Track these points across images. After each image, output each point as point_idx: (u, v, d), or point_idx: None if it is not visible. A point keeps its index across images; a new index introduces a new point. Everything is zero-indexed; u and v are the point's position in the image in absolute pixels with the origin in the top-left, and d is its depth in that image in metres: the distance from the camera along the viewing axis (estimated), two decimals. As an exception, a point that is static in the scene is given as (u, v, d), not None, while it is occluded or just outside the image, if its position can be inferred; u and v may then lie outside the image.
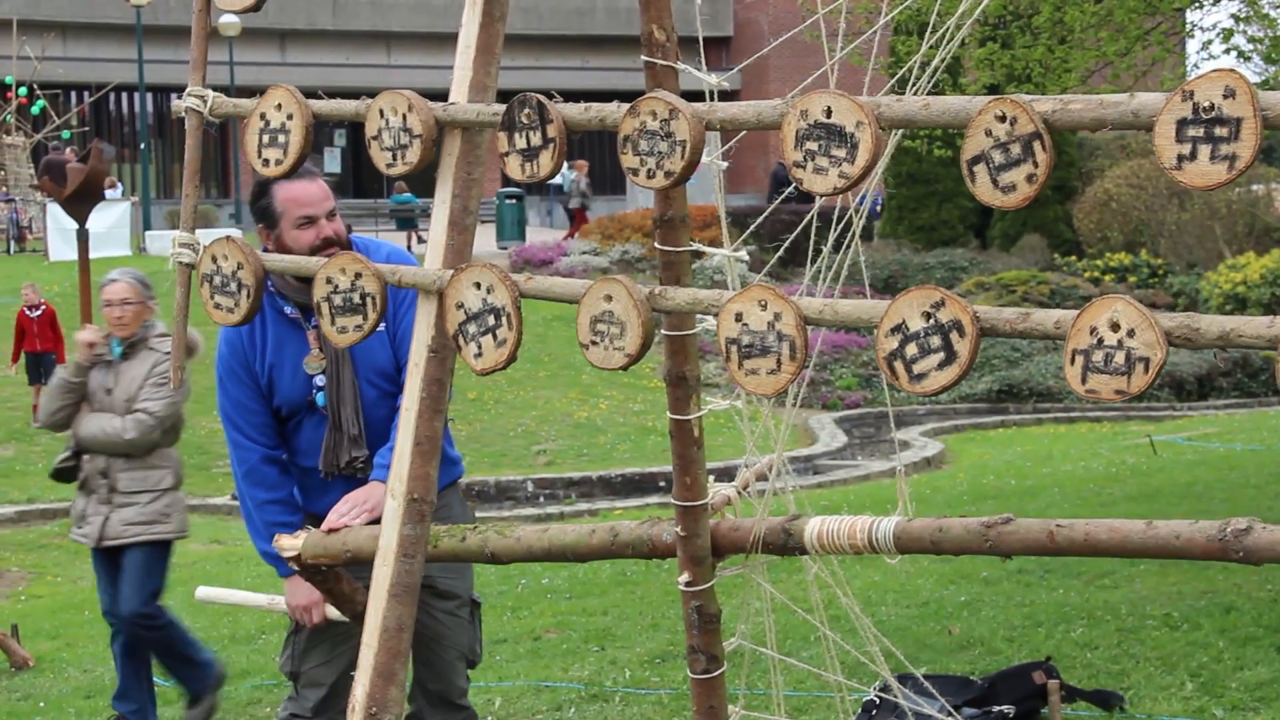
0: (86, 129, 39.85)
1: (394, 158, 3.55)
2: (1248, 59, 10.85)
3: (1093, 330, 2.73)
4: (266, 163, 3.74)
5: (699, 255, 3.83)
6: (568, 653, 7.87)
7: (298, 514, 4.71)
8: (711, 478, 4.04)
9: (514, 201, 34.60)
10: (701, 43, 3.79)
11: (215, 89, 3.94)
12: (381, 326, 4.52)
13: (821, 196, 3.03)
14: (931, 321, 2.89)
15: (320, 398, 4.65)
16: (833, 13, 4.49)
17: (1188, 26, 12.65)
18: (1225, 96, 2.54)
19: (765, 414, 4.05)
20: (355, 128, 48.55)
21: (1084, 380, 2.75)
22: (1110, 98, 2.70)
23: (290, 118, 3.71)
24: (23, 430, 18.82)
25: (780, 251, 4.54)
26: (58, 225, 29.23)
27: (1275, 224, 29.61)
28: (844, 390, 23.83)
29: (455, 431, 19.69)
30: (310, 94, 3.80)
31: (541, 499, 17.88)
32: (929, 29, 3.91)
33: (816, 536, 3.76)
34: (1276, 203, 30.75)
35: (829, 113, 2.92)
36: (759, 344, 3.06)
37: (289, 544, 4.37)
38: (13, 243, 33.91)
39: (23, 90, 36.78)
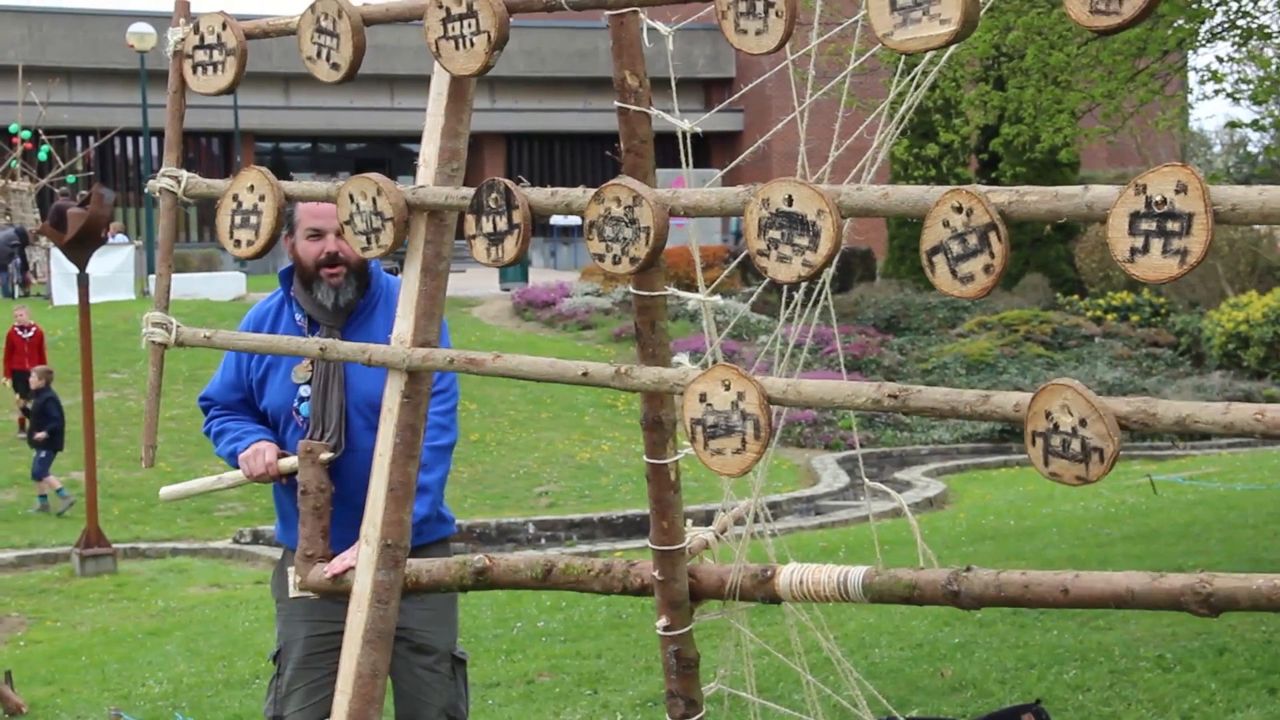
0: (91, 173, 39.99)
1: (368, 241, 3.59)
2: (1238, 100, 10.88)
3: (1048, 415, 2.74)
4: (238, 243, 3.78)
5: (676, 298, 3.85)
6: (560, 696, 7.85)
7: (255, 427, 4.75)
8: (689, 521, 4.05)
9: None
10: (674, 84, 3.80)
11: (220, 134, 3.98)
12: None
13: (785, 284, 3.05)
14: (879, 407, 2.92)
15: (304, 408, 4.68)
16: (828, 54, 4.53)
17: (1186, 67, 12.70)
18: (1177, 191, 2.56)
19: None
20: (359, 168, 48.76)
21: (1046, 463, 2.76)
22: (1065, 190, 2.71)
23: (262, 199, 3.76)
24: (24, 475, 18.84)
25: (787, 292, 4.55)
26: (61, 270, 29.33)
27: (1277, 263, 29.63)
28: (846, 431, 23.82)
29: (457, 474, 19.77)
30: (315, 137, 3.84)
31: (543, 540, 17.86)
32: (912, 70, 3.92)
33: (790, 586, 3.77)
34: (1279, 242, 30.76)
35: (790, 201, 2.94)
36: (723, 424, 3.08)
37: (287, 464, 4.47)
38: (17, 287, 34.00)
39: (28, 135, 36.98)
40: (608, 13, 3.49)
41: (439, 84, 3.70)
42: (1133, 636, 7.91)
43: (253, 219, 3.76)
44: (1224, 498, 14.20)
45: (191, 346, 4.15)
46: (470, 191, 3.43)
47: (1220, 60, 10.71)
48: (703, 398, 3.12)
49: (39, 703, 9.08)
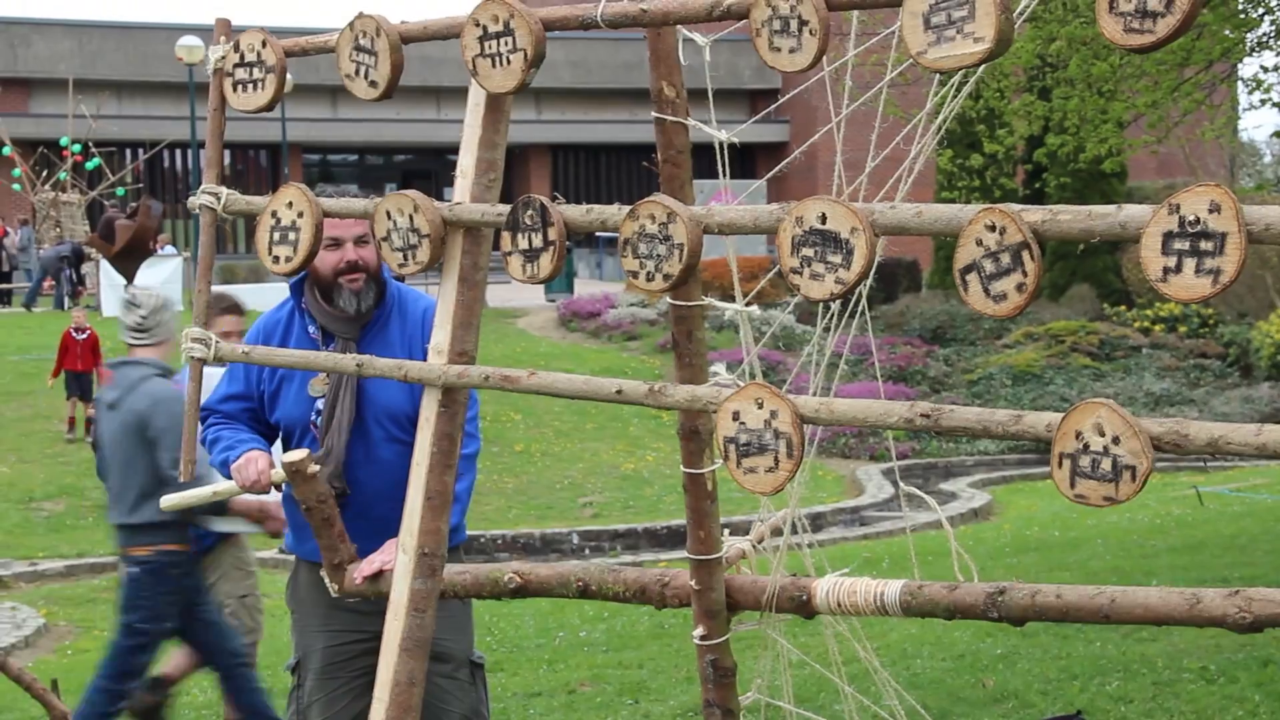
0: (140, 186, 40.29)
1: (405, 258, 3.62)
2: (1281, 108, 10.82)
3: (1079, 435, 2.74)
4: (276, 259, 3.82)
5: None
6: (601, 705, 7.87)
7: (250, 436, 4.73)
8: (727, 531, 4.06)
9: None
10: (710, 95, 3.81)
11: (267, 146, 4.02)
12: None
13: (817, 302, 3.07)
14: (913, 422, 2.94)
15: (320, 421, 4.70)
16: (871, 64, 4.54)
17: (1235, 77, 12.62)
18: (1211, 211, 2.56)
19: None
20: (406, 179, 48.98)
21: (1072, 485, 2.76)
22: (1099, 210, 2.71)
23: (300, 215, 3.79)
24: (74, 485, 18.98)
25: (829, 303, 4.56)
26: (110, 281, 29.55)
27: (1327, 272, 29.40)
28: (893, 441, 23.73)
29: (502, 484, 19.82)
30: (362, 149, 3.87)
31: (587, 551, 17.88)
32: (949, 80, 3.92)
33: (827, 598, 3.77)
34: (1329, 251, 30.54)
35: (824, 219, 2.96)
36: (756, 442, 3.10)
37: (279, 475, 4.43)
38: (68, 299, 34.29)
39: (78, 148, 37.28)
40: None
41: (476, 95, 3.73)
42: (1176, 648, 7.87)
43: (291, 235, 3.80)
44: (1271, 509, 14.10)
45: (231, 361, 4.20)
46: (506, 208, 3.46)
47: (1265, 70, 10.65)
48: (736, 415, 3.13)
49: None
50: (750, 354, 3.87)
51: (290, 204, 3.82)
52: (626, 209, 3.23)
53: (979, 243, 2.81)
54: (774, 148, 47.67)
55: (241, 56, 3.95)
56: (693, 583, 3.90)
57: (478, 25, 3.43)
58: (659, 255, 3.17)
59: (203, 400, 4.77)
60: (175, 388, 6.69)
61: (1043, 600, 3.30)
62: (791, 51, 3.02)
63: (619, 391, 3.36)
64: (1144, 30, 2.64)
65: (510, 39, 3.38)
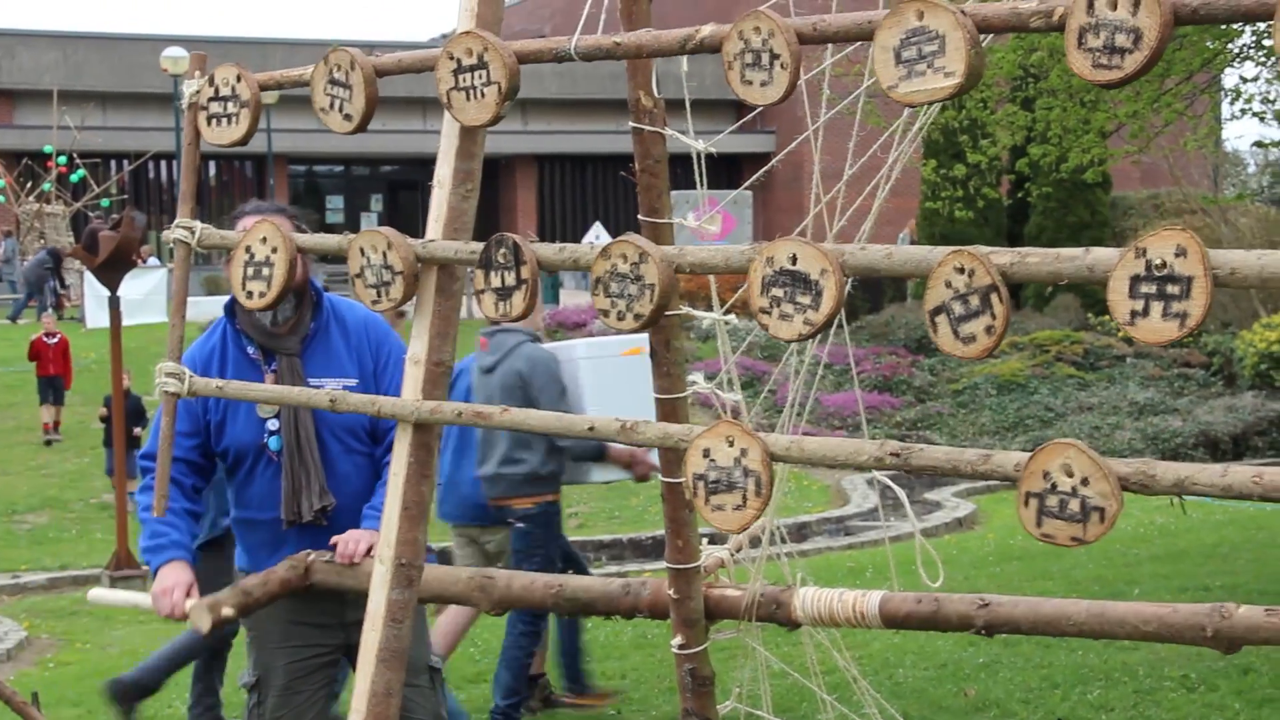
0: (125, 197, 40.23)
1: (378, 294, 3.64)
2: (1264, 119, 10.86)
3: (1046, 475, 2.76)
4: (250, 295, 3.82)
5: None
6: (583, 717, 7.86)
7: (185, 524, 4.67)
8: (705, 540, 4.07)
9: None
10: (688, 105, 3.82)
11: (253, 157, 4.03)
12: (355, 383, 4.57)
13: (788, 342, 3.08)
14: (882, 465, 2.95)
15: (274, 441, 4.64)
16: (853, 74, 4.54)
17: (1218, 87, 12.66)
18: (1177, 255, 2.59)
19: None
20: (392, 190, 48.94)
21: (1039, 524, 2.78)
22: (1067, 252, 2.75)
23: (274, 251, 3.80)
24: (56, 497, 18.93)
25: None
26: (95, 293, 29.49)
27: (1310, 282, 29.51)
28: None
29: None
30: (348, 160, 3.88)
31: (572, 562, 17.83)
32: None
33: (806, 608, 3.78)
34: (1312, 261, 30.60)
35: (794, 260, 2.97)
36: (725, 479, 3.12)
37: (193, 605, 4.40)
38: (51, 310, 34.23)
39: (62, 159, 37.21)
40: (622, 32, 3.52)
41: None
42: (1158, 656, 7.88)
43: (265, 270, 3.80)
44: (1254, 518, 14.12)
45: (204, 395, 4.19)
46: (479, 246, 3.46)
47: (1244, 80, 10.69)
48: (706, 453, 3.14)
49: (67, 723, 9.12)
50: (728, 363, 3.89)
51: (264, 239, 3.82)
52: (600, 247, 3.24)
53: (948, 284, 2.82)
54: (761, 158, 47.71)
55: (216, 90, 3.95)
56: (671, 592, 3.90)
57: (452, 58, 3.44)
58: (630, 295, 3.18)
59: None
60: (546, 351, 7.53)
61: (1019, 612, 3.32)
62: (763, 85, 3.03)
63: (591, 429, 3.37)
64: (1112, 66, 2.65)
65: (485, 72, 3.39)
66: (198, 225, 4.03)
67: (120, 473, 15.08)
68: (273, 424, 4.64)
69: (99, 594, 4.97)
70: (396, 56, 3.73)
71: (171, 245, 4.05)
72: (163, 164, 45.52)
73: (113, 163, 42.84)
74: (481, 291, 3.42)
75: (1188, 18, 2.59)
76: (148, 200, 45.03)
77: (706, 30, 3.13)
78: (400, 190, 50.02)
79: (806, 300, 2.95)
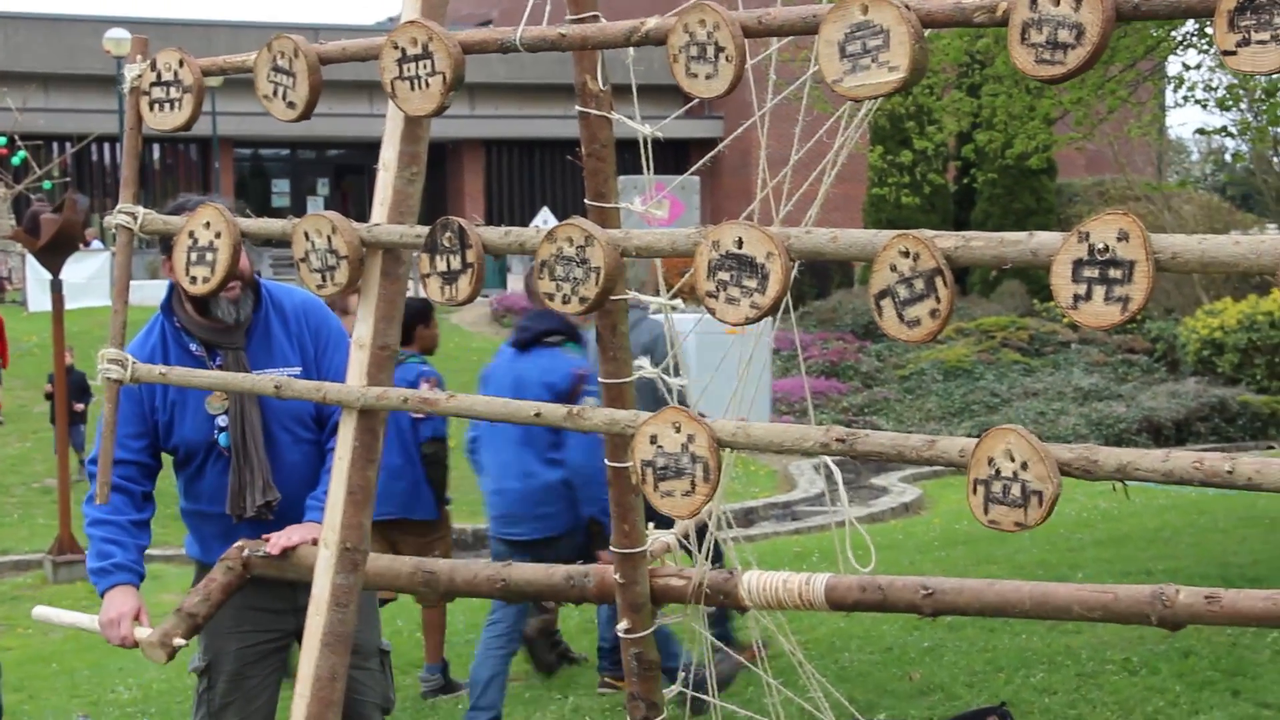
0: (68, 180, 39.85)
1: (323, 279, 3.61)
2: (1206, 107, 10.93)
3: (990, 461, 2.78)
4: (194, 280, 3.79)
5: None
6: (530, 701, 7.86)
7: (131, 539, 4.62)
8: (651, 525, 4.07)
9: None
10: (635, 90, 3.81)
11: (198, 140, 3.99)
12: (299, 371, 4.54)
13: (734, 327, 3.08)
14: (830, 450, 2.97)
15: (223, 438, 4.61)
16: (800, 59, 4.53)
17: (1163, 75, 12.74)
18: (1119, 239, 2.60)
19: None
20: (339, 174, 48.68)
21: (986, 511, 2.79)
22: (1011, 236, 2.75)
23: (218, 236, 3.77)
24: (-5, 483, 18.79)
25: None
26: (37, 276, 29.25)
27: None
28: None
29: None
30: (294, 144, 3.86)
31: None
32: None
33: (751, 590, 3.79)
34: (1254, 248, 30.83)
35: (740, 243, 2.97)
36: (673, 466, 3.12)
37: (143, 634, 4.37)
38: (-11, 293, 33.97)
39: (3, 141, 36.83)
40: (569, 19, 3.51)
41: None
42: (1100, 640, 7.95)
43: (209, 255, 3.78)
44: (1195, 502, 14.25)
45: (147, 382, 4.15)
46: (424, 230, 3.45)
47: (1187, 68, 10.75)
48: (653, 439, 3.15)
49: (8, 709, 9.04)
50: (675, 348, 3.89)
51: (208, 224, 3.79)
52: (544, 231, 3.23)
53: (893, 268, 2.83)
54: (708, 143, 47.73)
55: (158, 75, 3.92)
56: (617, 576, 3.90)
57: (396, 48, 3.42)
58: (576, 278, 3.18)
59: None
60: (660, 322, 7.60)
61: (965, 598, 3.34)
62: (708, 78, 3.03)
63: (538, 415, 3.37)
64: (1055, 61, 2.66)
65: (429, 61, 3.37)
66: (140, 211, 3.99)
67: (62, 455, 14.96)
68: (222, 420, 4.61)
69: (43, 612, 4.94)
70: (340, 44, 3.70)
71: (114, 231, 4.01)
72: (105, 146, 45.12)
73: (55, 145, 42.44)
74: (427, 275, 3.41)
75: (1130, 13, 2.60)
76: (90, 183, 44.63)
77: (651, 23, 3.13)
78: (347, 174, 49.77)
79: (753, 284, 2.95)
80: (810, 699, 4.46)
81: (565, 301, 3.20)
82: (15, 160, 37.36)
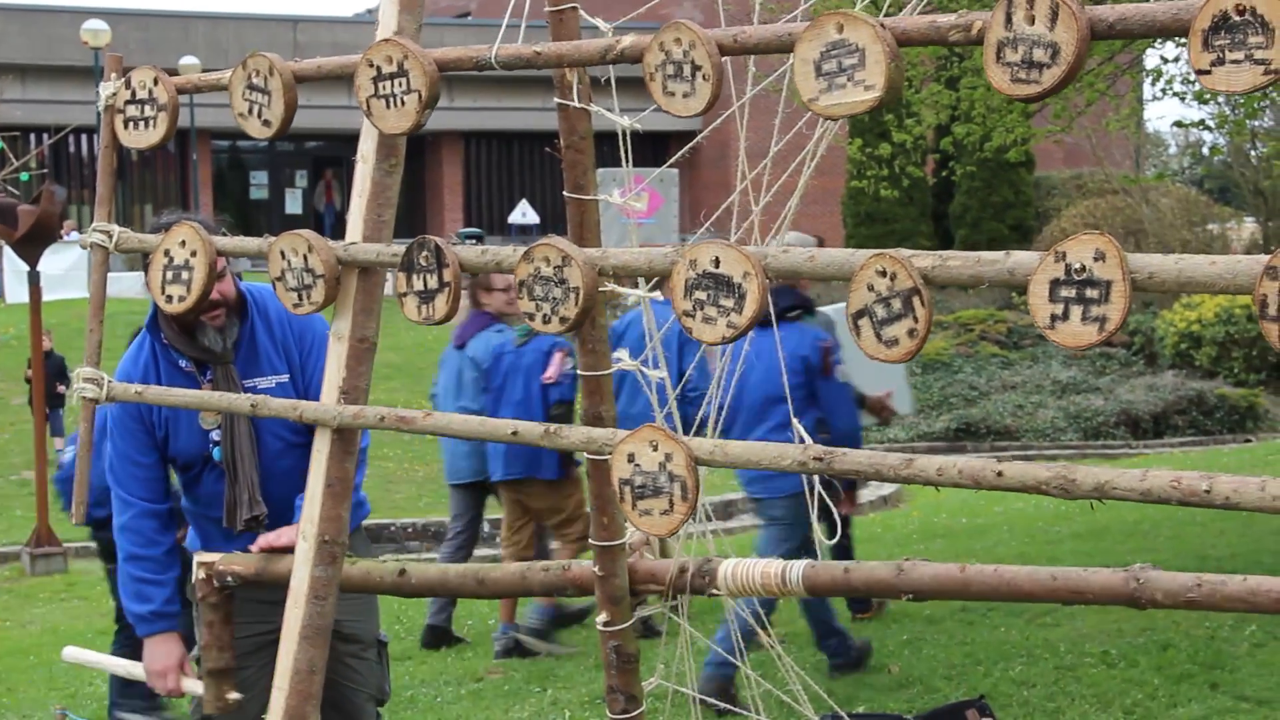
0: (45, 171, 39.67)
1: (299, 298, 3.62)
2: (1184, 100, 10.94)
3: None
4: (170, 299, 3.79)
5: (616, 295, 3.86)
6: (509, 694, 7.86)
7: (168, 573, 4.66)
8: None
9: (473, 242, 34.62)
10: (614, 81, 3.80)
11: (177, 132, 3.96)
12: (286, 378, 4.53)
13: (710, 345, 3.09)
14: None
15: (217, 452, 4.61)
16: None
17: (1141, 68, 12.75)
18: (1096, 259, 2.60)
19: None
20: (318, 166, 48.58)
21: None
22: (988, 256, 2.75)
23: (194, 255, 3.76)
24: (-25, 475, 18.72)
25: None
26: (14, 268, 29.11)
27: (1230, 262, 29.81)
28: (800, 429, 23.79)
29: (412, 472, 19.70)
30: (272, 135, 3.83)
31: (497, 539, 17.81)
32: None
33: (730, 578, 3.78)
34: (1232, 242, 30.95)
35: (717, 262, 2.97)
36: (651, 485, 3.13)
37: (190, 685, 4.38)
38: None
39: (-20, 132, 36.68)
40: (548, 9, 3.51)
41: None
42: (1079, 633, 7.97)
43: (184, 274, 3.77)
44: (1174, 496, 14.28)
45: (123, 401, 4.14)
46: (401, 248, 3.44)
47: (1165, 61, 10.76)
48: (631, 458, 3.15)
49: (-15, 703, 9.03)
50: (654, 339, 3.88)
51: (183, 243, 3.79)
52: (521, 251, 3.23)
53: (870, 288, 2.83)
54: (687, 135, 47.69)
55: (133, 94, 3.91)
56: (596, 569, 3.89)
57: (372, 66, 3.42)
58: (555, 298, 3.18)
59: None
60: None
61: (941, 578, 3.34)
62: (685, 96, 3.03)
63: (514, 433, 3.37)
64: (1030, 80, 2.67)
65: (405, 80, 3.38)
66: (115, 229, 3.99)
67: (40, 448, 14.91)
68: (216, 434, 4.61)
69: (75, 654, 4.98)
70: (316, 63, 3.71)
71: (88, 249, 4.01)
72: (83, 138, 44.92)
73: (32, 136, 42.27)
74: (404, 295, 3.40)
75: (1104, 33, 2.61)
76: (68, 174, 44.42)
77: (627, 41, 3.15)
78: (325, 166, 49.61)
79: (730, 303, 2.95)
80: (789, 691, 4.46)
81: (546, 321, 3.21)
82: (-7, 151, 37.29)
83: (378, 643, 4.90)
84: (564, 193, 3.61)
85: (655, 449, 3.11)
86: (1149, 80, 11.38)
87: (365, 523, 5.06)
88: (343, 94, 46.84)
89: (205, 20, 44.43)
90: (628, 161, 3.69)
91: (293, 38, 45.67)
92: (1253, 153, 25.03)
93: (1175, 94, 10.93)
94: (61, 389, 18.26)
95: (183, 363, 4.63)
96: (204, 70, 37.56)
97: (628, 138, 3.67)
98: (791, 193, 3.77)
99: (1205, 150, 49.06)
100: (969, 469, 2.81)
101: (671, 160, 4.09)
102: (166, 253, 3.80)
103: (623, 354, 3.77)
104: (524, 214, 37.06)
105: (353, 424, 3.60)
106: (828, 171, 4.42)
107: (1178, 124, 12.74)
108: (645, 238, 24.89)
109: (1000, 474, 2.77)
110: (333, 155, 48.88)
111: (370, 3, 61.24)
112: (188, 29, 42.12)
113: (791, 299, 7.49)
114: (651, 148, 46.16)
